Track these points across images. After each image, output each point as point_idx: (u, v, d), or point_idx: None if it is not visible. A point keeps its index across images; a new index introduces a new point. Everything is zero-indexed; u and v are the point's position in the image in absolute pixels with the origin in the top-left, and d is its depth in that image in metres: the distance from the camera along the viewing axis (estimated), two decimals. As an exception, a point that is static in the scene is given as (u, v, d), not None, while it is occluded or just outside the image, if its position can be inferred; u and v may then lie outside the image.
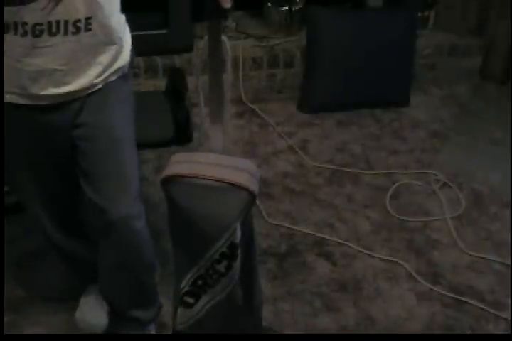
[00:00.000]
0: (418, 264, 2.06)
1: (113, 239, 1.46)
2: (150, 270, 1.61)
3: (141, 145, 1.72)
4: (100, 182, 1.41)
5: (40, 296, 1.87)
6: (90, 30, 1.24)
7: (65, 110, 1.33)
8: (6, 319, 1.77)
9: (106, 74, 1.34)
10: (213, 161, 1.28)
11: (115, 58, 1.35)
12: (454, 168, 2.59)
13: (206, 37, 1.26)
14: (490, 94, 3.24)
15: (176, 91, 2.71)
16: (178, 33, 2.79)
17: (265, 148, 2.68)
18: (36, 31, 1.17)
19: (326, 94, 2.97)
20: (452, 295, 1.94)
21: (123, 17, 1.37)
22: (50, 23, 1.18)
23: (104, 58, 1.31)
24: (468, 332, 1.82)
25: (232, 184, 1.22)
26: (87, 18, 1.22)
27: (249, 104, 2.96)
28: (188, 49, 2.86)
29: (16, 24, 1.16)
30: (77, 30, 1.21)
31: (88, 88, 1.33)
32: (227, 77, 1.29)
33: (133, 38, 1.45)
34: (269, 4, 3.10)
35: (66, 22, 1.19)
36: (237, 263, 1.30)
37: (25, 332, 1.75)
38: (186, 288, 1.36)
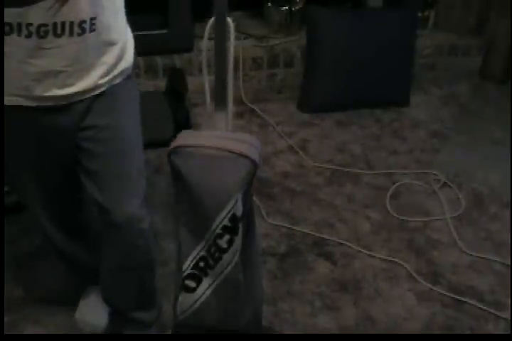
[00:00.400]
0: (418, 264, 2.06)
1: (117, 240, 1.46)
2: (152, 271, 1.61)
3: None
4: (106, 182, 1.40)
5: (40, 296, 1.87)
6: (94, 30, 1.23)
7: (70, 112, 1.33)
8: (6, 319, 1.77)
9: (110, 75, 1.33)
10: (217, 135, 1.34)
11: (119, 59, 1.34)
12: (454, 168, 2.59)
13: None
14: (490, 94, 3.24)
15: (176, 92, 2.71)
16: (178, 33, 2.79)
17: (265, 148, 2.68)
18: (41, 32, 1.16)
19: (326, 94, 2.97)
20: (452, 295, 1.94)
21: (125, 18, 1.37)
22: (55, 24, 1.17)
23: (108, 58, 1.31)
24: (468, 332, 1.82)
25: (234, 152, 1.27)
26: (92, 19, 1.22)
27: (249, 104, 2.96)
28: (188, 49, 2.86)
29: (20, 25, 1.14)
30: (83, 31, 1.21)
31: (93, 89, 1.32)
32: (230, 66, 1.32)
33: (133, 38, 1.45)
34: (269, 4, 3.10)
35: (71, 23, 1.18)
36: (239, 239, 1.32)
37: (25, 332, 1.75)
38: (188, 271, 1.39)
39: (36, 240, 2.05)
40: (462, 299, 1.93)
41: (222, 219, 1.30)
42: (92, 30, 1.22)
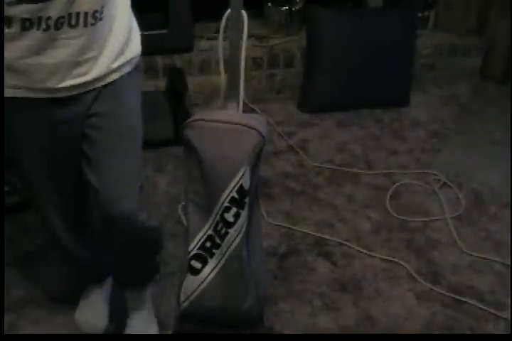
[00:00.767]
0: (418, 264, 2.06)
1: (118, 229, 1.45)
2: (156, 251, 1.66)
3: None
4: (107, 170, 1.40)
5: (40, 296, 1.87)
6: (102, 19, 1.25)
7: (80, 101, 1.34)
8: (6, 319, 1.77)
9: (118, 63, 1.35)
10: (227, 113, 1.42)
11: (126, 47, 1.36)
12: (454, 168, 2.59)
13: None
14: (490, 94, 3.24)
15: (176, 92, 2.71)
16: (178, 33, 2.79)
17: (265, 148, 2.67)
18: (58, 24, 1.19)
19: (326, 94, 2.97)
20: (452, 295, 1.94)
21: (129, 7, 1.38)
22: (70, 15, 1.19)
23: (116, 47, 1.33)
24: (468, 332, 1.82)
25: (243, 125, 1.34)
26: (102, 8, 1.24)
27: (249, 104, 2.96)
28: (188, 49, 2.86)
29: (39, 19, 1.16)
30: (95, 20, 1.23)
31: (103, 78, 1.33)
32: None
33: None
34: (269, 4, 3.10)
35: (86, 14, 1.20)
36: (245, 213, 1.37)
37: (25, 332, 1.75)
38: (194, 251, 1.43)
39: (37, 240, 2.05)
40: (462, 299, 1.92)
41: (231, 190, 1.35)
42: (100, 19, 1.25)
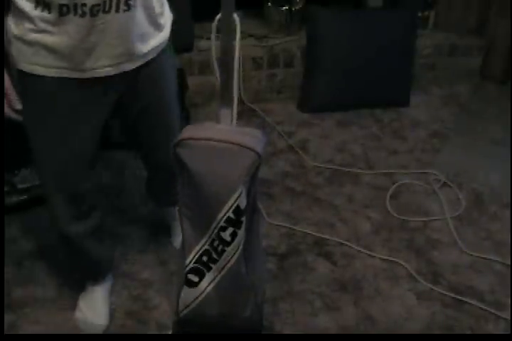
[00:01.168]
0: (418, 264, 2.06)
1: (158, 171, 1.80)
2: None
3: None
4: (150, 150, 1.66)
5: (40, 296, 1.87)
6: (135, 6, 1.31)
7: (118, 82, 1.42)
8: (6, 319, 1.77)
9: (152, 45, 1.44)
10: (221, 128, 1.37)
11: (159, 30, 1.46)
12: (454, 168, 2.59)
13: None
14: (490, 94, 3.24)
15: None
16: (178, 33, 2.79)
17: (265, 148, 2.68)
18: (94, 11, 1.26)
19: (326, 94, 2.97)
20: (452, 295, 1.94)
21: None
22: (104, 3, 1.26)
23: (150, 29, 1.41)
24: (468, 332, 1.82)
25: (238, 145, 1.29)
26: None
27: (249, 104, 2.96)
28: (188, 49, 2.86)
29: (75, 6, 1.24)
30: (128, 7, 1.30)
31: (137, 60, 1.42)
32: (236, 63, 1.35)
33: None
34: (269, 4, 3.10)
35: (118, 1, 1.28)
36: (242, 232, 1.34)
37: (25, 332, 1.75)
38: (191, 266, 1.41)
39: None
40: (462, 299, 1.93)
41: (226, 211, 1.32)
42: (134, 5, 1.31)
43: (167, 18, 1.50)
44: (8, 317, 1.78)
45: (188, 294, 1.45)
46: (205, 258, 1.39)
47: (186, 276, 1.42)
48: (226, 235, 1.34)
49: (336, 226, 2.23)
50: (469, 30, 3.30)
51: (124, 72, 1.41)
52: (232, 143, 1.29)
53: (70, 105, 1.42)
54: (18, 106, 1.42)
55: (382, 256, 2.09)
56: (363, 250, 2.11)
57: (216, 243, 1.36)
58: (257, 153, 1.30)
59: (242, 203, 1.31)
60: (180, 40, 2.79)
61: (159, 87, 1.55)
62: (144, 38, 1.40)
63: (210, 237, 1.36)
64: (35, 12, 1.26)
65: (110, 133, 2.22)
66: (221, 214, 1.32)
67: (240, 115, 2.79)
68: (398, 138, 2.82)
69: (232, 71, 1.34)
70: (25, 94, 1.41)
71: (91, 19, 1.27)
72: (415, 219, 2.29)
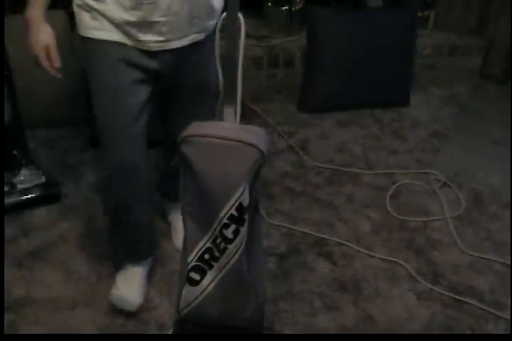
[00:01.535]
0: (418, 264, 2.06)
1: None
2: None
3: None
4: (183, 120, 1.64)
5: (40, 296, 1.87)
6: None
7: (162, 57, 1.56)
8: (5, 319, 1.77)
9: (201, 27, 1.57)
10: (225, 126, 1.39)
11: (209, 15, 1.58)
12: (454, 168, 2.59)
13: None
14: (490, 94, 3.24)
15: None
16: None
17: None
18: None
19: (326, 94, 2.97)
20: (452, 295, 1.94)
21: None
22: None
23: (199, 12, 1.54)
24: (468, 332, 1.82)
25: (242, 142, 1.30)
26: None
27: (249, 104, 2.96)
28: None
29: None
30: None
31: (184, 39, 1.55)
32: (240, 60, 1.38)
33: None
34: (269, 4, 3.10)
35: None
36: (244, 230, 1.34)
37: (25, 332, 1.75)
38: (193, 264, 1.41)
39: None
40: (462, 299, 1.92)
41: (229, 208, 1.32)
42: None
43: (218, 5, 1.61)
44: (8, 317, 1.78)
45: (189, 292, 1.45)
46: (207, 256, 1.40)
47: (188, 274, 1.43)
48: (228, 232, 1.35)
49: (335, 226, 2.23)
50: (469, 30, 3.30)
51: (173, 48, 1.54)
52: (236, 141, 1.31)
53: (123, 63, 1.55)
54: (57, 64, 1.53)
55: (382, 256, 2.09)
56: (362, 250, 2.11)
57: (218, 240, 1.37)
58: (260, 151, 1.31)
59: (245, 200, 1.31)
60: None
61: (204, 67, 1.66)
62: (193, 18, 1.52)
63: (212, 235, 1.37)
64: None
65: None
66: (224, 212, 1.33)
67: (240, 115, 2.80)
68: (398, 138, 2.82)
69: (236, 69, 1.36)
70: (88, 58, 1.58)
71: None
72: (415, 219, 2.29)
